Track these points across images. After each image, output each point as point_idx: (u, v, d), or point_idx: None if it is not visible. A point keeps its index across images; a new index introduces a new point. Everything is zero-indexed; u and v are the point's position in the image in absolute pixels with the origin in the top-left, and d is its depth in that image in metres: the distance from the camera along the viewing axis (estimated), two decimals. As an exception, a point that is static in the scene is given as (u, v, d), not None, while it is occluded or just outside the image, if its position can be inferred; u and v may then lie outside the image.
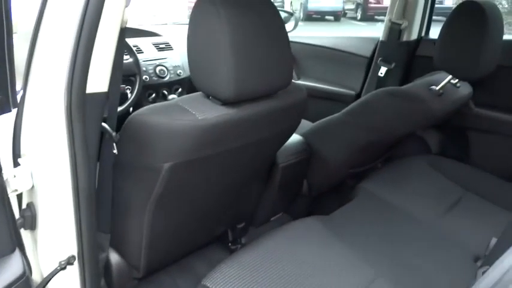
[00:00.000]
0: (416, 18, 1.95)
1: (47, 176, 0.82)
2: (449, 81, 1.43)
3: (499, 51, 1.40)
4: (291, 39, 0.98)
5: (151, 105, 0.92)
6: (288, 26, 2.09)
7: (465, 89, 1.55)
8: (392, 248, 1.20)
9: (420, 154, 1.81)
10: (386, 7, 2.07)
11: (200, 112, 0.87)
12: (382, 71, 2.01)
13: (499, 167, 1.75)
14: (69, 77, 0.73)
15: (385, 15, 2.06)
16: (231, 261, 1.03)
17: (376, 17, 12.21)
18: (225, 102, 0.90)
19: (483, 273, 0.90)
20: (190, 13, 0.90)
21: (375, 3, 12.38)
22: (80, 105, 0.76)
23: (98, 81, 0.79)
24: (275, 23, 0.93)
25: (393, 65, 1.97)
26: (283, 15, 2.30)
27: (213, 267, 1.00)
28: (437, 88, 1.42)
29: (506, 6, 8.39)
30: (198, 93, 0.96)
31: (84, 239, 0.86)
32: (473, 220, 1.36)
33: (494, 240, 1.25)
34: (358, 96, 2.16)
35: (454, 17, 1.35)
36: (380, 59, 2.02)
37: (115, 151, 0.94)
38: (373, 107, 1.41)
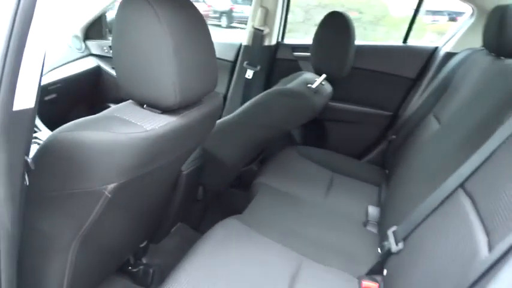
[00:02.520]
0: (276, 25, 2.15)
1: None
2: (322, 81, 1.64)
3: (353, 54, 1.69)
4: None
5: (79, 120, 0.78)
6: None
7: (328, 87, 1.81)
8: (303, 230, 1.33)
9: (289, 146, 2.02)
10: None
11: (145, 122, 0.79)
12: (249, 73, 2.14)
13: (351, 149, 2.11)
14: None
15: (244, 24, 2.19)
16: (173, 280, 0.97)
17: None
18: (165, 110, 0.84)
19: (393, 232, 1.11)
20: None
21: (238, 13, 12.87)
22: (6, 126, 0.60)
23: (26, 96, 0.63)
24: (202, 25, 0.91)
25: (259, 67, 2.13)
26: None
27: None
28: (314, 86, 1.61)
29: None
30: (128, 102, 0.86)
31: None
32: (349, 194, 1.62)
33: (371, 208, 1.53)
34: (224, 97, 2.25)
35: (324, 26, 1.56)
36: (246, 62, 2.15)
37: (26, 182, 0.76)
38: (267, 106, 1.51)
